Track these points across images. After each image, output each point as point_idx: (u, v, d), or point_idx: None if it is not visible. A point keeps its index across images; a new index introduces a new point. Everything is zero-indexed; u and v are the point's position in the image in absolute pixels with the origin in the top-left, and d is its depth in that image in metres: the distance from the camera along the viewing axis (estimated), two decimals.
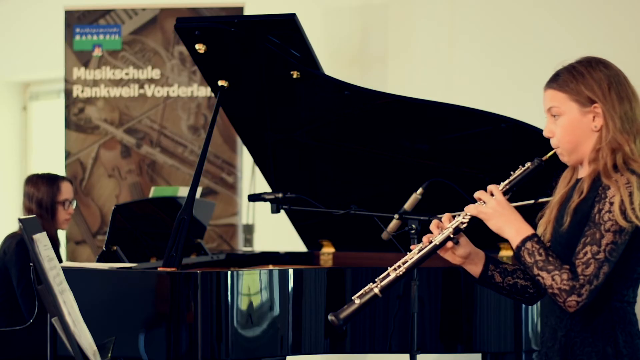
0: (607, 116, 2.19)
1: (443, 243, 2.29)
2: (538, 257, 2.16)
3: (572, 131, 2.23)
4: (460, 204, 2.40)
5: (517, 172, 2.31)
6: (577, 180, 2.28)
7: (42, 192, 4.00)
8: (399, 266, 2.30)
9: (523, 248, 2.19)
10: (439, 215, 2.36)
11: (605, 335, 2.18)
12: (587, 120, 2.22)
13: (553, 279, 2.13)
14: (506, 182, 2.30)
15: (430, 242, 2.30)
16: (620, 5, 4.52)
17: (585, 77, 2.22)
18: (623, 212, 2.10)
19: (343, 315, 2.27)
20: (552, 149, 2.30)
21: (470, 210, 2.27)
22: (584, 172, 2.26)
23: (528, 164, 2.31)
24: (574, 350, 2.21)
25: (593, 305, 2.17)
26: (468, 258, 2.34)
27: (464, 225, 2.28)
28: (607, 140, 2.19)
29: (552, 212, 2.31)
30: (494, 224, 2.24)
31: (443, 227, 2.32)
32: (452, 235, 2.28)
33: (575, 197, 2.22)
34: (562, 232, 2.23)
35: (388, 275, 2.30)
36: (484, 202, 2.25)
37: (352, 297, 2.29)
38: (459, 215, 2.31)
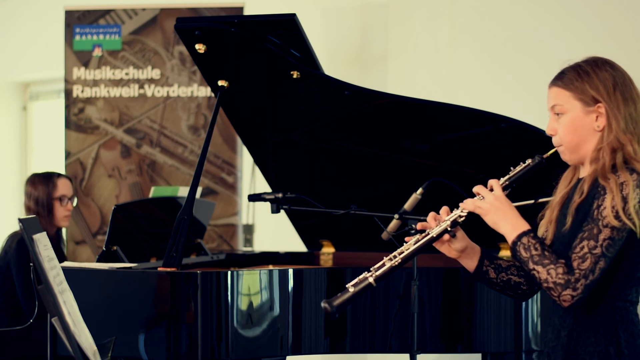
0: (611, 116, 2.19)
1: (440, 235, 2.30)
2: (534, 252, 2.17)
3: (575, 130, 2.23)
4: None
5: (517, 169, 2.32)
6: (578, 180, 2.28)
7: (39, 190, 4.04)
8: (395, 256, 2.31)
9: (519, 243, 2.19)
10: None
11: (608, 334, 2.18)
12: (589, 120, 2.22)
13: (548, 273, 2.13)
14: (506, 177, 2.30)
15: (427, 234, 2.30)
16: (621, 4, 4.52)
17: (590, 77, 2.22)
18: (615, 213, 2.10)
19: (336, 302, 2.27)
20: (553, 147, 2.30)
21: (467, 206, 2.27)
22: (585, 171, 2.26)
23: (529, 161, 2.32)
24: (577, 350, 2.21)
25: (596, 305, 2.17)
26: (464, 252, 2.35)
27: (462, 219, 2.28)
28: (609, 140, 2.18)
29: (553, 212, 2.31)
30: (490, 219, 2.25)
31: (440, 219, 2.32)
32: (449, 229, 2.29)
33: (576, 198, 2.22)
34: (565, 232, 2.23)
35: (383, 265, 2.30)
36: (482, 197, 2.26)
37: (347, 285, 2.29)
38: (458, 209, 2.31)
